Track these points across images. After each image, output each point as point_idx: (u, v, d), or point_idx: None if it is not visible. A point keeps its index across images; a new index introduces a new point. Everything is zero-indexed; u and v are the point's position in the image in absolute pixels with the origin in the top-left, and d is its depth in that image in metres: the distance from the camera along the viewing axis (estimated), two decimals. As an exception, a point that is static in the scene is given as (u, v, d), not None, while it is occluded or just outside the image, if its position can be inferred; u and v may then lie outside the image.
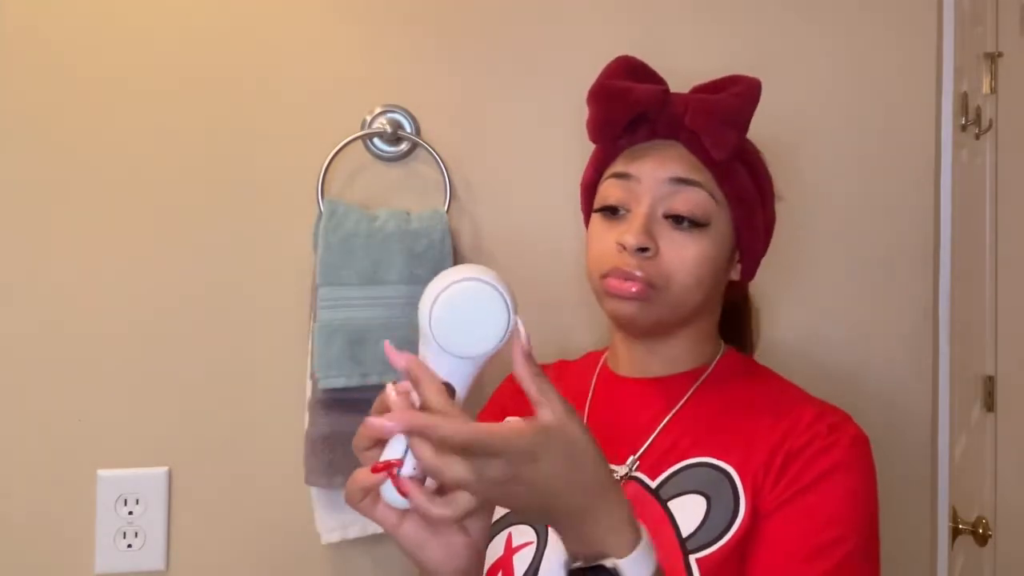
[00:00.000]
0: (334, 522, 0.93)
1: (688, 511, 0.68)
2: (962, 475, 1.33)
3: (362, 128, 0.98)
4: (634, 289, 0.71)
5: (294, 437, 0.94)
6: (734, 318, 0.87)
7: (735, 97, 0.73)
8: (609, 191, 0.75)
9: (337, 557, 0.98)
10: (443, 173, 0.97)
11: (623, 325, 0.75)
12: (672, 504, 0.69)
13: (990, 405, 1.82)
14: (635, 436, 0.75)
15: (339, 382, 0.88)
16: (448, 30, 1.01)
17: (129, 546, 0.93)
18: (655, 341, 0.77)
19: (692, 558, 0.65)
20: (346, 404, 0.91)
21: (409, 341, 0.90)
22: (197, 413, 0.95)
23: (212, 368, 0.96)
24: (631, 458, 0.73)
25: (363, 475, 0.54)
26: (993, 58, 1.77)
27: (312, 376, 0.90)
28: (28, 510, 0.92)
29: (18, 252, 0.93)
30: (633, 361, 0.80)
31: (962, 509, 1.25)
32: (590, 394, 0.82)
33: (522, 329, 0.54)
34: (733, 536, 0.65)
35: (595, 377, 0.83)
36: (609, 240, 0.73)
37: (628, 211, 0.74)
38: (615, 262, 0.72)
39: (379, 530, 0.94)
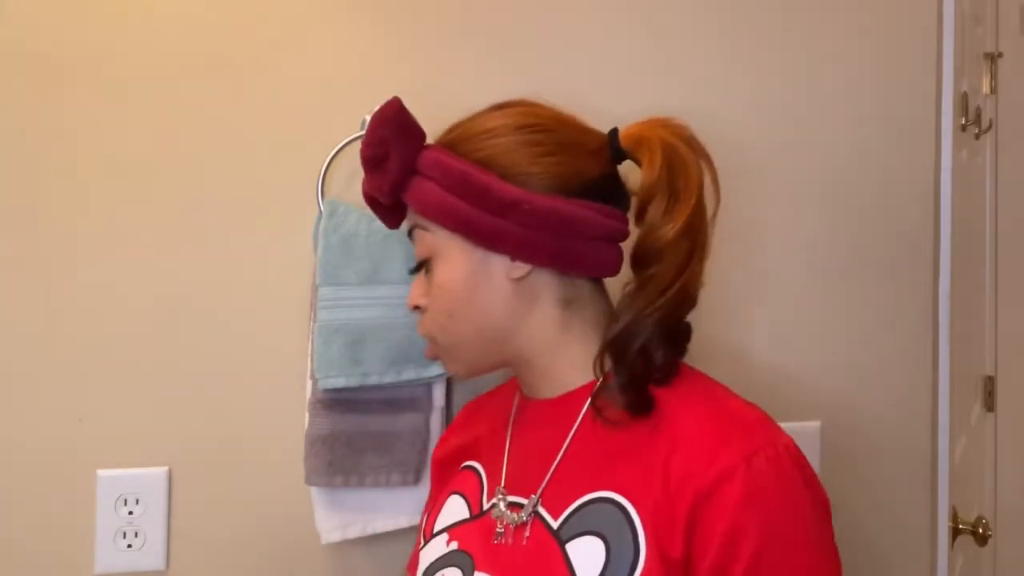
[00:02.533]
0: (334, 522, 0.93)
1: (587, 557, 0.63)
2: (962, 475, 1.33)
3: (362, 128, 0.98)
4: (427, 354, 0.78)
5: (294, 437, 0.94)
6: None
7: (363, 145, 0.74)
8: None
9: (337, 557, 0.98)
10: (443, 173, 0.97)
11: None
12: (570, 547, 0.64)
13: (990, 405, 1.82)
14: (541, 465, 0.71)
15: (339, 382, 0.88)
16: (448, 30, 1.01)
17: (129, 546, 0.93)
18: (514, 368, 0.77)
19: None
20: (346, 404, 0.91)
21: (409, 341, 0.91)
22: (197, 413, 0.95)
23: (212, 368, 0.96)
24: (533, 496, 0.69)
25: None
26: (993, 58, 1.77)
27: (312, 376, 0.90)
28: (28, 510, 0.92)
29: (17, 251, 0.93)
30: (524, 384, 0.78)
31: (962, 509, 1.25)
32: (511, 421, 0.79)
33: None
34: None
35: (515, 403, 0.81)
36: None
37: None
38: None
39: (379, 530, 0.94)
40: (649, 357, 0.67)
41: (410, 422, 0.93)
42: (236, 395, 0.96)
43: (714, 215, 0.70)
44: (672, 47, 1.05)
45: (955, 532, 1.18)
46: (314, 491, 0.93)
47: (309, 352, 0.92)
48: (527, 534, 0.68)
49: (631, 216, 0.73)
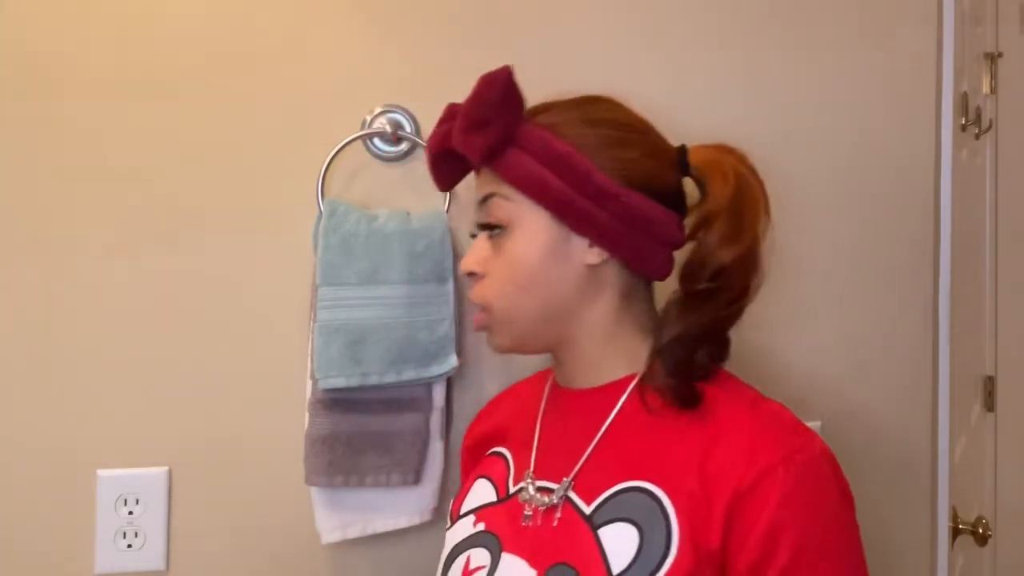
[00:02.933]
0: (334, 522, 0.93)
1: (620, 543, 0.65)
2: (962, 475, 1.33)
3: (362, 128, 0.98)
4: (477, 323, 0.76)
5: (294, 437, 0.94)
6: None
7: (468, 103, 0.74)
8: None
9: (337, 557, 0.98)
10: (443, 173, 0.97)
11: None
12: (603, 532, 0.66)
13: (990, 405, 1.82)
14: (574, 451, 0.73)
15: (339, 382, 0.88)
16: (448, 30, 1.01)
17: (129, 546, 0.93)
18: (557, 353, 0.78)
19: None
20: (346, 404, 0.91)
21: (409, 341, 0.91)
22: (197, 413, 0.95)
23: (212, 368, 0.96)
24: (565, 480, 0.71)
25: None
26: (993, 58, 1.77)
27: (312, 376, 0.90)
28: (28, 510, 0.92)
29: (18, 252, 0.93)
30: (561, 373, 0.79)
31: (962, 509, 1.25)
32: (542, 409, 0.81)
33: None
34: (666, 574, 0.62)
35: (546, 391, 0.82)
36: None
37: None
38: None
39: (379, 530, 0.94)
40: (695, 358, 0.71)
41: (410, 422, 0.93)
42: (236, 395, 0.96)
43: (764, 238, 0.74)
44: (672, 47, 1.05)
45: (955, 532, 1.18)
46: (314, 491, 0.93)
47: (309, 352, 0.92)
48: (558, 515, 0.70)
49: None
